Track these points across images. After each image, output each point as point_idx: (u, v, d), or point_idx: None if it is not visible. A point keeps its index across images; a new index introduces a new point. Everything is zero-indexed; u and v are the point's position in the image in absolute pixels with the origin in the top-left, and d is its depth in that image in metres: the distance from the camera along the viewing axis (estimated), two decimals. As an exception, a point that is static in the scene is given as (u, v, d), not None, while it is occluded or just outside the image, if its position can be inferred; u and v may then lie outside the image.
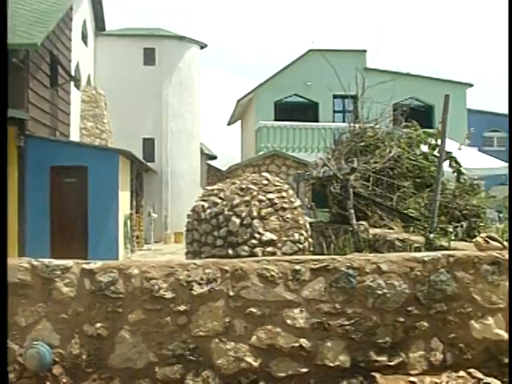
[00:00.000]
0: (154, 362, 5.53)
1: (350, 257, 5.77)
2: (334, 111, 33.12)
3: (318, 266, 5.58)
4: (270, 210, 6.79)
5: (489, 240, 5.82)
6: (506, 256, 5.71)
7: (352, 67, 10.84)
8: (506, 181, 24.96)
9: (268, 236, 6.67)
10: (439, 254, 5.73)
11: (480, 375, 5.47)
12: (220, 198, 6.94)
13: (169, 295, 5.51)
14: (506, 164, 25.22)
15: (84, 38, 27.13)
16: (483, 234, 6.06)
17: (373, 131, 10.25)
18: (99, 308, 5.52)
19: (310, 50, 31.47)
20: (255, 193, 6.87)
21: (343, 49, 31.80)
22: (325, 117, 32.51)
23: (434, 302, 5.62)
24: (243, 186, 6.97)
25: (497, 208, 9.04)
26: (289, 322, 5.53)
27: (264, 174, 7.36)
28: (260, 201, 6.80)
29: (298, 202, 7.15)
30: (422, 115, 23.36)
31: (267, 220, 6.73)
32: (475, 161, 23.54)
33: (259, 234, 6.64)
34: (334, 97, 30.91)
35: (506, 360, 5.68)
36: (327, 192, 9.92)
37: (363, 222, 8.38)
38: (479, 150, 28.25)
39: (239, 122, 41.88)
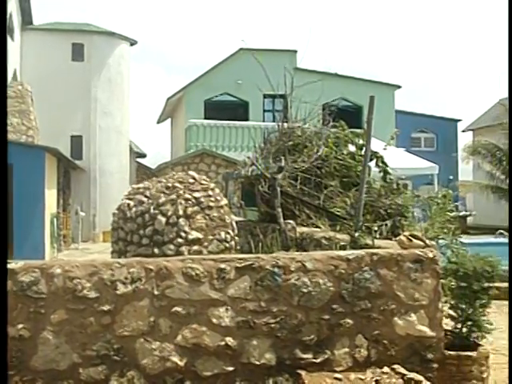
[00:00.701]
0: (78, 362, 5.46)
1: (275, 255, 5.81)
2: (264, 110, 33.26)
3: (243, 264, 5.60)
4: (196, 208, 6.76)
5: (411, 238, 5.95)
6: (429, 254, 5.84)
7: (282, 67, 10.88)
8: (433, 180, 25.58)
9: (194, 235, 6.65)
10: (363, 252, 5.82)
11: (403, 371, 5.58)
12: (146, 196, 6.87)
13: (92, 295, 5.45)
14: (433, 164, 25.81)
15: (10, 31, 26.51)
16: (406, 233, 6.19)
17: (301, 131, 10.31)
18: (21, 309, 5.41)
19: (240, 49, 31.49)
20: (181, 191, 6.83)
21: (274, 48, 31.95)
22: (255, 116, 32.61)
23: (358, 300, 5.71)
24: (169, 185, 6.93)
25: (422, 207, 9.22)
26: (214, 320, 5.53)
27: (190, 172, 7.32)
28: (186, 199, 6.76)
29: (224, 201, 7.14)
30: (350, 115, 23.70)
31: (193, 219, 6.70)
32: (403, 161, 24.02)
33: (185, 232, 6.61)
34: (265, 96, 30.99)
35: (429, 355, 5.83)
36: (255, 191, 9.95)
37: (291, 221, 8.43)
38: (407, 151, 28.79)
39: (169, 120, 41.65)
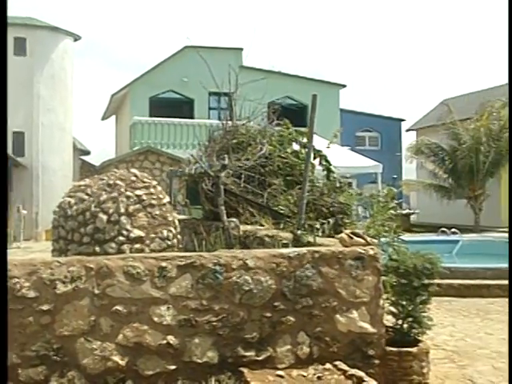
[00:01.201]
0: (17, 363, 5.38)
1: (217, 253, 5.82)
2: (210, 108, 33.24)
3: (184, 262, 5.59)
4: (137, 206, 6.72)
5: (353, 236, 6.01)
6: (370, 251, 5.91)
7: (228, 65, 10.86)
8: (377, 179, 25.94)
9: (136, 233, 6.60)
10: (305, 249, 5.86)
11: (345, 367, 5.63)
12: (87, 194, 6.80)
13: (31, 294, 5.37)
14: (377, 163, 26.18)
15: None
16: (347, 230, 6.25)
17: (245, 129, 10.33)
18: (-43, 308, 5.30)
19: (186, 47, 31.39)
20: (123, 189, 6.78)
21: (220, 46, 31.94)
22: (200, 113, 32.58)
23: (300, 297, 5.74)
24: (111, 182, 6.86)
25: (365, 205, 9.33)
26: (156, 319, 5.51)
27: (132, 170, 7.28)
28: (128, 197, 6.71)
29: (166, 199, 7.11)
30: (295, 114, 23.83)
31: (135, 217, 6.65)
32: (347, 159, 24.32)
33: (127, 230, 6.56)
34: (210, 94, 30.95)
35: (371, 352, 5.90)
36: (199, 189, 9.93)
37: (234, 219, 8.44)
38: (351, 149, 29.16)
39: (114, 117, 41.28)
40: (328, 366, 5.71)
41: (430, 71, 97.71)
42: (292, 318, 5.74)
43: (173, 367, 5.54)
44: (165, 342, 5.52)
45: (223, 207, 8.32)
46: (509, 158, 29.11)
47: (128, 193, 6.76)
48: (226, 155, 9.19)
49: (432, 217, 34.86)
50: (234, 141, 10.00)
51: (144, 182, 7.02)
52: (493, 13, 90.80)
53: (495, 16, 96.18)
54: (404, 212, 34.02)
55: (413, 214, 35.50)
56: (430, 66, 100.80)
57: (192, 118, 32.32)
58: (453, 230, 23.13)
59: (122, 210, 6.63)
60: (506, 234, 26.34)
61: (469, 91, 39.94)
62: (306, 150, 9.25)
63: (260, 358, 5.69)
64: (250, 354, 5.68)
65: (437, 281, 11.55)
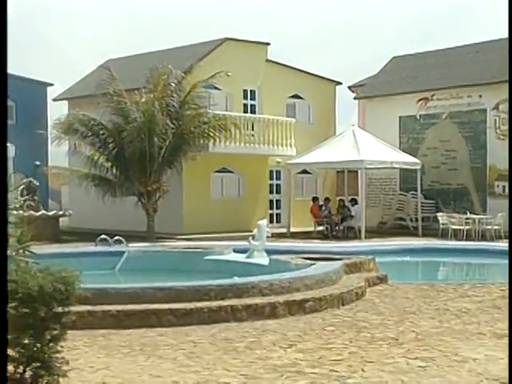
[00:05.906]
0: None
1: None
2: None
3: None
4: None
5: None
6: None
7: None
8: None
9: None
10: None
11: None
12: None
13: None
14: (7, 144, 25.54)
15: None
16: None
17: None
18: None
19: None
20: None
21: None
22: None
23: None
24: None
25: None
26: None
27: None
28: None
29: None
30: None
31: None
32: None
33: None
34: None
35: None
36: None
37: None
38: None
39: None
40: None
41: (95, 26, 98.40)
42: None
43: None
44: None
45: None
46: (509, 157, 31.68)
47: None
48: None
49: (91, 220, 35.02)
50: None
51: None
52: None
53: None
54: (51, 214, 33.68)
55: (63, 215, 35.10)
56: (95, 23, 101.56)
57: None
58: (116, 237, 23.27)
59: None
60: (186, 243, 27.27)
61: (138, 52, 40.45)
62: None
63: None
64: None
65: (84, 307, 11.44)
